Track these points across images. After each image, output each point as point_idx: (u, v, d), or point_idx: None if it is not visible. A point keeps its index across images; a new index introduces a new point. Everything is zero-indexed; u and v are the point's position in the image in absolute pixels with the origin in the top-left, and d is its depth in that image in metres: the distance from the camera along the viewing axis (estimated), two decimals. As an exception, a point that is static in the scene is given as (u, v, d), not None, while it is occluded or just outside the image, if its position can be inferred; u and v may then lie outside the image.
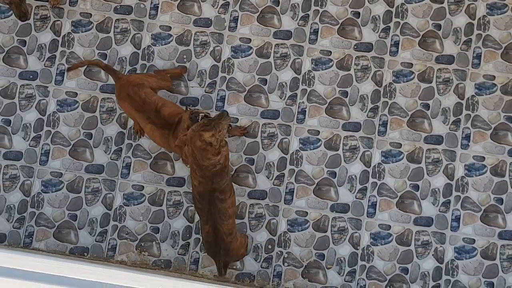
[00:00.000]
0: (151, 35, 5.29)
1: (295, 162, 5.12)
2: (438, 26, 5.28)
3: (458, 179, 5.11)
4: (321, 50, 5.27)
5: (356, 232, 5.04)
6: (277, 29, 5.31)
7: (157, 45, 5.29)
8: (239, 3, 5.31)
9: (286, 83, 5.25)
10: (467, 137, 5.16)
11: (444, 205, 5.09)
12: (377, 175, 5.10)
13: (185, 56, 5.26)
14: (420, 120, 5.18)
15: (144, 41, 5.30)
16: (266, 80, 5.26)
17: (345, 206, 5.09)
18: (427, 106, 5.19)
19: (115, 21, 5.31)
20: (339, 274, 5.02)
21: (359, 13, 5.31)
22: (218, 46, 5.29)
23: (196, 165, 4.35)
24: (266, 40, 5.29)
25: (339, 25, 5.28)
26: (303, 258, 5.04)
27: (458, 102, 5.20)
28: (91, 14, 5.31)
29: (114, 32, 5.30)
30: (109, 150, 5.18)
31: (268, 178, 5.16)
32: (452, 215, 5.08)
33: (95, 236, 5.08)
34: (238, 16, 5.31)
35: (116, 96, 4.84)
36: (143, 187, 5.14)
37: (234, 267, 5.02)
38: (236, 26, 5.30)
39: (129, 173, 5.15)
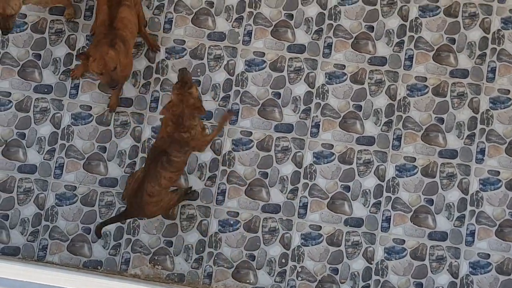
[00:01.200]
0: (165, 49, 5.24)
1: (309, 176, 5.05)
2: (452, 40, 5.24)
3: (472, 193, 5.03)
4: (335, 64, 5.23)
5: (370, 246, 4.96)
6: (291, 43, 5.28)
7: (171, 59, 5.23)
8: (253, 17, 5.27)
9: (299, 96, 5.21)
10: (482, 152, 5.08)
11: (459, 219, 5.01)
12: (391, 189, 5.02)
13: (199, 70, 5.22)
14: (434, 134, 5.12)
15: (158, 55, 5.25)
16: (280, 93, 5.23)
17: (359, 220, 5.01)
18: (441, 120, 5.13)
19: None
20: (353, 289, 4.98)
21: (373, 27, 5.28)
22: (232, 60, 5.25)
23: (172, 122, 4.35)
24: (280, 54, 5.27)
25: (353, 39, 5.25)
26: (316, 273, 4.96)
27: (472, 116, 5.14)
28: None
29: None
30: (123, 163, 5.13)
31: (282, 192, 5.09)
32: (467, 229, 5.00)
33: (109, 250, 5.02)
34: (252, 30, 5.28)
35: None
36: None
37: (248, 281, 4.99)
38: (250, 40, 5.29)
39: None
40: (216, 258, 5.00)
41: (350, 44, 5.30)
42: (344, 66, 5.21)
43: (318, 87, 5.17)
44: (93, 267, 4.99)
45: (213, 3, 5.35)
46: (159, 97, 5.21)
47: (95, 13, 5.02)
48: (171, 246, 5.02)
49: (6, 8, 4.58)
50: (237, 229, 5.08)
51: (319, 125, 5.15)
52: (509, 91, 5.15)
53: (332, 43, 5.23)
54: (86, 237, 5.03)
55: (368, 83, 5.20)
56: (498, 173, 5.07)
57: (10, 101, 5.16)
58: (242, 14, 5.30)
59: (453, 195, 5.03)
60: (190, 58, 5.23)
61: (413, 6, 5.29)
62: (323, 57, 5.22)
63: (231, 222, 5.05)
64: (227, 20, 5.29)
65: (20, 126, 5.14)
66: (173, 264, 4.99)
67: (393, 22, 5.25)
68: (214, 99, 5.20)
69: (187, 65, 5.19)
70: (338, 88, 5.16)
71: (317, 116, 5.16)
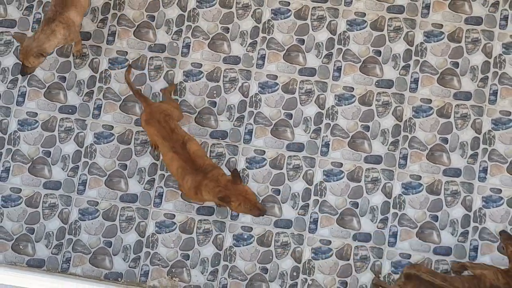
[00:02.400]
0: (183, 72, 5.26)
1: (319, 193, 5.03)
2: (456, 64, 5.24)
3: (476, 210, 4.99)
4: (344, 86, 5.21)
5: (378, 260, 4.93)
6: (302, 67, 5.27)
7: (189, 81, 5.25)
8: (266, 41, 5.28)
9: (310, 117, 5.19)
10: (484, 170, 5.04)
11: (463, 235, 4.97)
12: (398, 206, 4.98)
13: (215, 92, 5.23)
14: (439, 154, 5.09)
15: (177, 77, 5.26)
16: (291, 114, 5.21)
17: (367, 235, 4.97)
18: (445, 140, 5.11)
19: (149, 58, 5.30)
20: (361, 301, 4.95)
21: (380, 51, 5.29)
22: (246, 82, 5.24)
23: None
24: (291, 77, 5.25)
25: (361, 62, 5.25)
26: (326, 285, 4.94)
27: (475, 136, 5.10)
28: (126, 52, 5.30)
29: (148, 69, 5.28)
30: (143, 180, 5.13)
31: (293, 208, 5.08)
32: (470, 245, 4.96)
33: (129, 262, 5.01)
34: (265, 54, 5.27)
35: (143, 120, 4.76)
36: (174, 215, 5.07)
37: None
38: (263, 63, 5.28)
39: (161, 202, 5.10)
40: (230, 270, 4.97)
41: (358, 67, 5.28)
42: (353, 88, 5.20)
43: (328, 108, 5.15)
44: (114, 278, 5.00)
45: (228, 28, 5.35)
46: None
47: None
48: (188, 259, 4.99)
49: (25, 61, 4.76)
50: (251, 243, 5.05)
51: (329, 144, 5.12)
52: (510, 112, 5.15)
53: (341, 66, 5.23)
54: (108, 250, 5.02)
55: (376, 104, 5.18)
56: (500, 191, 5.03)
57: (37, 121, 5.17)
58: (256, 39, 5.28)
59: (457, 212, 5.01)
60: (206, 81, 5.23)
61: (419, 32, 5.27)
62: (333, 80, 5.20)
63: (245, 236, 5.03)
64: (242, 45, 5.29)
65: (46, 145, 5.16)
66: (190, 276, 4.98)
67: (400, 47, 5.24)
68: (229, 119, 5.19)
69: (203, 87, 5.21)
70: (347, 109, 5.14)
71: (327, 135, 5.13)
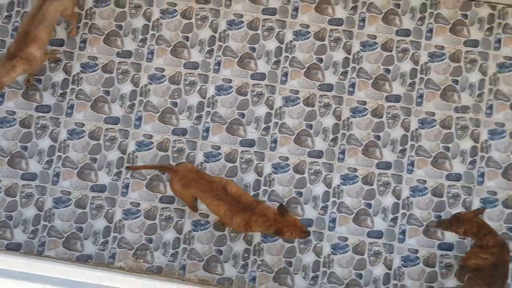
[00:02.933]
0: (148, 75, 5.29)
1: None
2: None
3: (404, 199, 5.12)
4: (290, 89, 5.27)
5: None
6: (254, 72, 5.32)
7: (153, 84, 5.29)
8: (222, 49, 5.33)
9: (261, 117, 5.26)
10: (412, 164, 5.17)
11: (393, 220, 5.09)
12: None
13: (176, 94, 5.27)
14: (372, 149, 5.21)
15: (142, 80, 5.29)
16: (244, 114, 5.27)
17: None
18: (378, 138, 5.22)
19: (117, 63, 5.31)
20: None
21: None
22: (204, 85, 5.29)
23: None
24: (244, 81, 5.30)
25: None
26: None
27: (404, 134, 5.22)
28: (97, 58, 5.32)
29: (116, 72, 5.30)
30: (111, 172, 5.17)
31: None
32: (399, 229, 5.09)
33: (98, 246, 5.07)
34: (221, 61, 5.32)
35: (179, 186, 4.66)
36: (139, 204, 5.12)
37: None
38: (219, 68, 5.31)
39: (127, 192, 5.14)
40: (189, 253, 5.04)
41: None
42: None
43: (276, 109, 5.20)
44: (84, 260, 5.02)
45: (188, 37, 5.31)
46: (142, 116, 5.25)
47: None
48: (151, 243, 5.03)
49: None
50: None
51: (277, 140, 5.20)
52: (434, 113, 5.24)
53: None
54: (79, 235, 5.05)
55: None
56: (425, 181, 5.16)
57: (15, 119, 5.19)
58: (212, 47, 5.31)
59: (388, 200, 5.10)
60: (169, 84, 5.25)
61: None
62: (281, 83, 5.25)
63: (202, 222, 5.08)
64: (200, 52, 5.31)
65: (23, 140, 5.14)
66: (153, 258, 5.01)
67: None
68: (188, 118, 5.23)
69: (166, 90, 5.21)
70: (293, 110, 5.21)
71: (275, 133, 5.20)
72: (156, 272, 5.04)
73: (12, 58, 4.73)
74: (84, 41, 5.36)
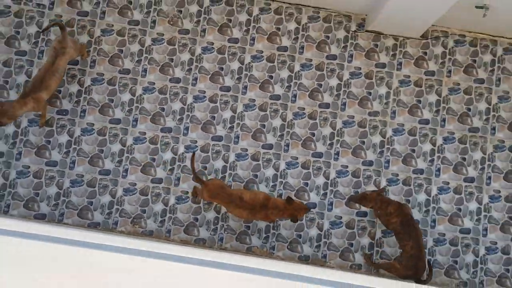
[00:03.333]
0: (142, 87, 5.20)
1: (333, 184, 5.11)
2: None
3: (331, 179, 5.06)
4: (249, 98, 5.24)
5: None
6: (222, 85, 5.26)
7: (146, 94, 5.20)
8: (198, 68, 5.22)
9: (227, 119, 5.20)
10: (337, 153, 5.12)
11: (324, 195, 5.06)
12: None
13: (163, 101, 5.16)
14: (309, 143, 5.17)
15: (138, 91, 5.20)
16: (214, 116, 5.21)
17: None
18: (313, 134, 5.19)
19: (119, 78, 5.20)
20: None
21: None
22: (185, 95, 5.22)
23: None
24: (214, 92, 5.25)
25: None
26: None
27: (332, 132, 5.18)
28: (103, 74, 5.22)
29: (118, 85, 5.20)
30: (115, 160, 5.09)
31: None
32: (328, 201, 5.08)
33: (104, 215, 5.03)
34: (197, 77, 5.24)
35: (207, 197, 4.59)
36: (135, 183, 5.07)
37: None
38: (196, 82, 5.22)
39: (127, 174, 5.07)
40: (173, 220, 4.97)
41: (258, 86, 5.24)
42: (354, 116, 5.22)
43: (238, 113, 5.10)
44: (94, 226, 4.98)
45: (173, 59, 5.17)
46: (138, 117, 5.10)
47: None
48: (145, 213, 4.93)
49: (1, 118, 4.55)
50: (187, 201, 4.96)
51: (239, 136, 5.13)
52: (354, 116, 5.18)
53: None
54: (90, 207, 4.98)
55: (269, 110, 5.15)
56: (347, 166, 5.12)
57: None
58: (191, 66, 5.19)
59: (320, 180, 5.04)
60: (158, 94, 5.14)
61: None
62: (242, 94, 5.18)
63: (183, 197, 4.99)
64: (182, 70, 5.20)
65: (46, 136, 5.03)
66: (146, 224, 4.94)
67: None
68: (173, 120, 5.13)
69: (156, 98, 5.05)
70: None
71: (237, 130, 5.10)
72: (148, 234, 5.01)
73: (25, 97, 4.65)
74: (93, 62, 5.25)
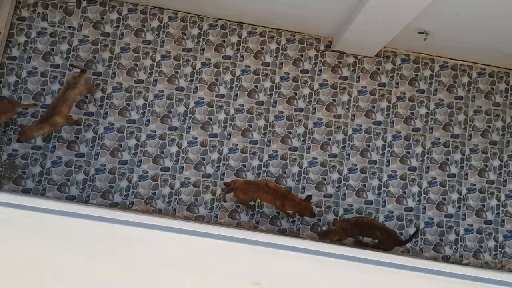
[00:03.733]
0: (153, 94, 5.01)
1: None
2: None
3: (304, 168, 5.05)
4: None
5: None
6: (217, 93, 5.09)
7: (156, 100, 5.04)
8: (198, 79, 5.07)
9: (221, 120, 5.05)
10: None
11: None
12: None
13: (171, 106, 5.02)
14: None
15: (150, 97, 5.04)
16: (211, 118, 5.06)
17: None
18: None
19: (135, 87, 5.04)
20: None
21: (257, 86, 5.12)
22: (187, 100, 5.05)
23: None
24: (211, 98, 5.11)
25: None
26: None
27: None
28: (122, 83, 5.04)
29: (133, 92, 5.02)
30: (131, 152, 4.97)
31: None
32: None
33: (122, 197, 4.93)
34: (198, 86, 5.10)
35: (239, 196, 4.55)
36: (148, 171, 4.97)
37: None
38: (197, 91, 5.10)
39: (141, 164, 4.96)
40: (178, 201, 4.85)
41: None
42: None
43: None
44: (113, 205, 4.89)
45: (178, 71, 5.06)
46: (149, 118, 5.09)
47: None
48: (155, 195, 4.83)
49: (21, 137, 4.39)
50: (189, 186, 4.87)
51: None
52: (322, 119, 5.10)
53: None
54: (111, 190, 4.87)
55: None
56: (316, 158, 5.22)
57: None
58: (192, 78, 5.08)
59: (295, 169, 5.01)
60: (166, 100, 4.99)
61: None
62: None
63: (186, 182, 4.89)
64: (185, 81, 5.08)
65: (76, 133, 4.94)
66: (156, 204, 4.81)
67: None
68: (178, 121, 4.98)
69: (164, 103, 4.99)
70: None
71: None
72: (158, 212, 4.91)
73: (43, 122, 4.50)
74: (114, 73, 5.12)
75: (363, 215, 4.83)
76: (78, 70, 4.78)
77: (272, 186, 4.42)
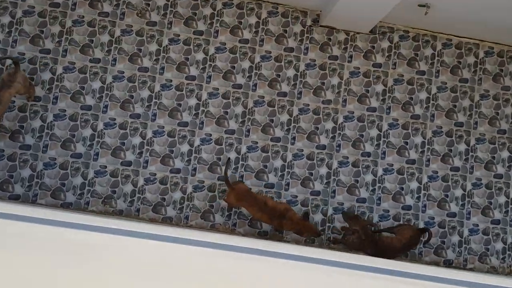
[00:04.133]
0: (160, 85, 4.58)
1: (335, 174, 4.62)
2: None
3: (334, 169, 4.64)
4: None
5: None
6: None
7: (164, 90, 4.60)
8: (212, 67, 4.65)
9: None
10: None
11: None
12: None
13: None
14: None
15: (156, 88, 4.58)
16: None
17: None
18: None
19: (138, 75, 4.54)
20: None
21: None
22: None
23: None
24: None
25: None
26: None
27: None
28: (124, 71, 4.53)
29: (137, 82, 4.55)
30: (135, 152, 4.49)
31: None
32: (330, 190, 4.62)
33: (127, 203, 4.46)
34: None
35: (234, 199, 4.16)
36: (155, 173, 4.49)
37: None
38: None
39: (147, 165, 4.50)
40: (191, 206, 4.44)
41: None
42: (353, 112, 4.75)
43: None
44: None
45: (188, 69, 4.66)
46: (156, 112, 4.52)
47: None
48: (164, 201, 4.41)
49: None
50: (203, 190, 4.40)
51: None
52: (354, 112, 4.72)
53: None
54: (113, 195, 4.42)
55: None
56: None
57: (65, 115, 4.42)
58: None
59: (323, 170, 4.58)
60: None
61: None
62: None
63: (200, 186, 4.47)
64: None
65: (71, 130, 4.43)
66: (166, 212, 4.41)
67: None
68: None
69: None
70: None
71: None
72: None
73: None
74: (114, 60, 4.61)
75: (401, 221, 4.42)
76: (10, 62, 4.20)
77: (270, 204, 4.08)
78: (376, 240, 3.99)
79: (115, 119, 4.52)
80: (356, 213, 4.31)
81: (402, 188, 4.61)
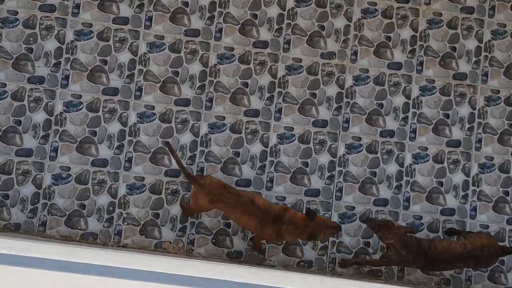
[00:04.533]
0: (147, 43, 3.59)
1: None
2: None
3: (407, 166, 3.73)
4: (293, 57, 3.67)
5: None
6: (256, 39, 3.67)
7: (153, 52, 3.58)
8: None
9: (264, 86, 3.65)
10: (414, 131, 3.74)
11: (397, 188, 3.68)
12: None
13: (177, 63, 3.59)
14: (375, 117, 3.70)
15: (140, 49, 3.57)
16: (247, 83, 3.64)
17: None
18: (381, 105, 3.71)
19: (114, 30, 3.57)
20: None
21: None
22: (206, 53, 3.63)
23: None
24: (247, 49, 3.67)
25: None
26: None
27: (405, 102, 3.77)
28: (92, 24, 3.53)
29: (113, 41, 3.55)
30: (112, 145, 3.50)
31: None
32: (403, 196, 3.71)
33: (103, 222, 3.43)
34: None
35: (206, 201, 3.26)
36: (143, 178, 3.50)
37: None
38: (221, 36, 3.65)
39: (131, 166, 3.51)
40: (197, 227, 3.52)
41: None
42: (301, 59, 3.64)
43: (280, 77, 3.61)
44: (90, 240, 3.37)
45: (188, 3, 3.65)
46: (142, 86, 3.52)
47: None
48: (158, 218, 3.44)
49: None
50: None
51: (281, 110, 3.64)
52: (434, 80, 3.78)
53: (290, 40, 3.65)
54: (81, 211, 3.40)
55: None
56: (427, 148, 3.74)
57: (6, 91, 3.41)
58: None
59: (392, 168, 3.68)
60: (169, 52, 3.57)
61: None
62: (283, 51, 3.62)
63: None
64: (201, 19, 3.63)
65: (16, 114, 3.44)
66: (161, 234, 3.44)
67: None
68: (191, 88, 3.59)
69: (167, 58, 3.50)
70: (296, 78, 3.59)
71: (280, 102, 3.63)
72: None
73: None
74: (77, 7, 3.60)
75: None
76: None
77: (260, 204, 3.26)
78: (424, 249, 3.38)
79: (81, 96, 3.59)
80: (387, 220, 3.60)
81: (441, 184, 3.75)
